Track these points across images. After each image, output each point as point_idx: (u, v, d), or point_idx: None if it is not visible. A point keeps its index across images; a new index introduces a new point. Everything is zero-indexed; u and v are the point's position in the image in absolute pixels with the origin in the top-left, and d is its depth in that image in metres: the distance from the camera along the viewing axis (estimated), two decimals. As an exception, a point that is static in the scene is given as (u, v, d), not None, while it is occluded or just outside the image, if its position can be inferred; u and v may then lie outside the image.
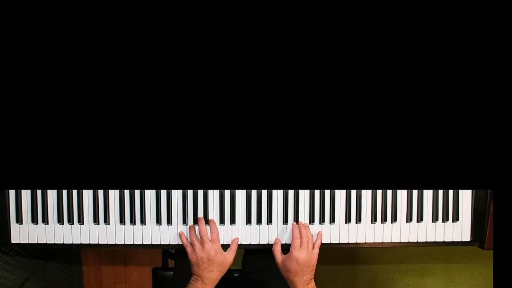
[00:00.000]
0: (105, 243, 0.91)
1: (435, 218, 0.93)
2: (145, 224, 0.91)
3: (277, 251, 0.89)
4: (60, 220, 0.90)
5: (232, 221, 0.91)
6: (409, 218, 0.92)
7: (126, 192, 0.91)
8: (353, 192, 0.92)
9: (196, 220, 0.91)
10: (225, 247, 0.91)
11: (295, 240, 0.87)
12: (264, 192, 0.91)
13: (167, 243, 0.92)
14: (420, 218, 0.93)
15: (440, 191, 0.93)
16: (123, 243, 0.91)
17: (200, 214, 0.91)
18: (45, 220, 0.90)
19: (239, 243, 0.92)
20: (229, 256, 0.88)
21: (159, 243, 0.91)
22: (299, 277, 0.85)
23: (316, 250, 0.88)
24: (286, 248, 0.90)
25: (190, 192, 0.91)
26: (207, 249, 0.85)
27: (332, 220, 0.92)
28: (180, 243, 0.91)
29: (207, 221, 0.91)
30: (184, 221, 0.91)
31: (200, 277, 0.85)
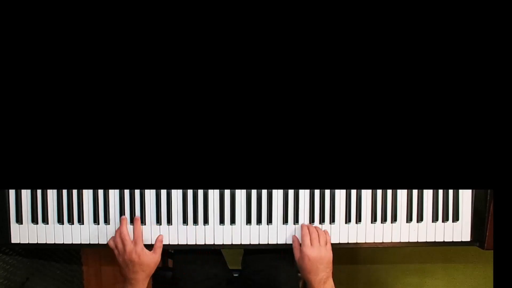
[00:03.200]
0: (105, 243, 0.91)
1: (435, 218, 0.93)
2: (145, 224, 0.91)
3: (295, 247, 0.89)
4: (60, 220, 0.90)
5: (232, 221, 0.91)
6: (409, 218, 0.92)
7: (126, 192, 0.91)
8: (353, 192, 0.92)
9: (196, 220, 0.91)
10: (225, 247, 0.91)
11: (305, 238, 0.86)
12: (264, 192, 0.91)
13: (167, 243, 0.92)
14: (420, 218, 0.93)
15: (440, 191, 0.93)
16: (123, 243, 0.91)
17: (200, 214, 0.91)
18: (45, 220, 0.90)
19: (240, 243, 0.92)
20: (154, 256, 0.86)
21: (159, 243, 0.91)
22: (314, 275, 0.84)
23: (329, 246, 0.87)
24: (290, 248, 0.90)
25: (190, 192, 0.91)
26: (128, 251, 0.83)
27: (332, 220, 0.92)
28: (180, 243, 0.91)
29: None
30: (184, 221, 0.91)
31: (127, 279, 0.84)
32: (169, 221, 0.91)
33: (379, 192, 0.92)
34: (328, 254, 0.86)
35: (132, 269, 0.83)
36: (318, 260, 0.84)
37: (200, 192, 0.91)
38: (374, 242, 0.93)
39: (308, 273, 0.84)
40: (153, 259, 0.86)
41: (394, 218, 0.92)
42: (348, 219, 0.92)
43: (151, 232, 0.91)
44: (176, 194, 0.91)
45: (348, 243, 0.93)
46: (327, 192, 0.92)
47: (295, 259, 0.88)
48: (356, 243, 0.93)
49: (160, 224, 0.91)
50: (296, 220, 0.92)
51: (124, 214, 0.90)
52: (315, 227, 0.89)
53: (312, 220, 0.92)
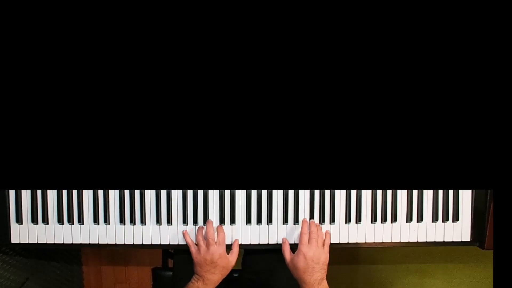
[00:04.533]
0: (105, 243, 0.91)
1: (435, 218, 0.93)
2: (145, 224, 0.91)
3: (286, 250, 0.89)
4: (60, 220, 0.90)
5: (232, 221, 0.91)
6: (409, 218, 0.92)
7: (126, 192, 0.91)
8: (353, 192, 0.92)
9: (196, 220, 0.91)
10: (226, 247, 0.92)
11: (303, 236, 0.86)
12: (264, 192, 0.91)
13: (167, 243, 0.92)
14: (420, 218, 0.93)
15: (440, 191, 0.93)
16: (123, 243, 0.91)
17: (200, 214, 0.91)
18: (45, 220, 0.90)
19: (240, 243, 0.92)
20: (232, 258, 0.88)
21: (159, 243, 0.91)
22: (309, 275, 0.83)
23: (326, 248, 0.87)
24: (293, 248, 0.89)
25: (190, 192, 0.91)
26: (212, 252, 0.85)
27: (332, 220, 0.92)
28: (180, 243, 0.91)
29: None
30: (184, 221, 0.91)
31: (202, 277, 0.85)
32: (169, 221, 0.91)
33: (379, 192, 0.92)
34: (324, 255, 0.85)
35: (210, 270, 0.85)
36: (314, 259, 0.83)
37: (200, 192, 0.91)
38: (374, 242, 0.93)
39: (302, 273, 0.84)
40: (231, 262, 0.88)
41: (394, 218, 0.92)
42: (348, 219, 0.92)
43: (151, 232, 0.91)
44: (176, 194, 0.91)
45: (348, 243, 0.93)
46: (327, 192, 0.92)
47: (286, 260, 0.88)
48: (356, 243, 0.93)
49: (160, 224, 0.91)
50: (296, 220, 0.92)
51: (124, 214, 0.90)
52: (317, 225, 0.89)
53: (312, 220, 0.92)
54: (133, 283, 1.65)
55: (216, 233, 0.88)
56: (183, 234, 0.90)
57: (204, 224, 0.91)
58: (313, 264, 0.83)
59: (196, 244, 0.87)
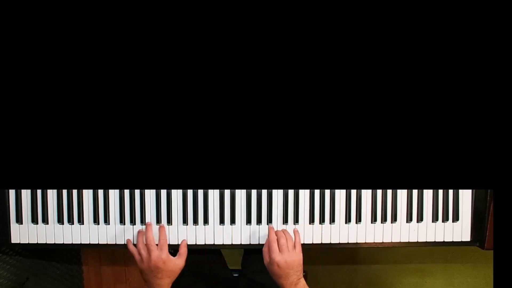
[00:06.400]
0: (105, 243, 0.91)
1: (435, 218, 0.93)
2: (145, 224, 0.91)
3: (265, 252, 0.87)
4: (60, 220, 0.90)
5: (232, 221, 0.91)
6: (409, 218, 0.92)
7: (126, 192, 0.91)
8: (353, 192, 0.92)
9: (196, 220, 0.91)
10: (225, 247, 0.91)
11: (272, 244, 0.84)
12: (264, 192, 0.91)
13: (167, 243, 0.92)
14: (420, 218, 0.93)
15: (440, 191, 0.93)
16: (123, 243, 0.91)
17: (200, 214, 0.91)
18: (45, 220, 0.90)
19: (240, 243, 0.92)
20: (179, 261, 0.85)
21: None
22: (285, 280, 0.83)
23: (298, 248, 0.85)
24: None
25: (190, 192, 0.91)
26: (154, 259, 0.82)
27: (332, 220, 0.92)
28: (180, 243, 0.91)
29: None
30: (184, 221, 0.91)
31: (150, 284, 0.84)
32: (169, 221, 0.91)
33: (379, 192, 0.93)
34: (297, 258, 0.84)
35: (157, 275, 0.83)
36: (287, 266, 0.83)
37: (200, 192, 0.91)
38: (374, 242, 0.93)
39: (278, 278, 0.84)
40: (178, 265, 0.85)
41: (394, 218, 0.92)
42: (348, 219, 0.92)
43: (151, 232, 0.91)
44: (176, 194, 0.91)
45: (348, 243, 0.93)
46: (327, 192, 0.92)
47: (264, 263, 0.87)
48: (356, 243, 0.93)
49: (160, 224, 0.91)
50: (296, 220, 0.92)
51: (124, 214, 0.90)
52: (283, 230, 0.88)
53: (312, 220, 0.92)
54: (133, 283, 1.64)
55: (159, 234, 0.86)
56: (127, 242, 0.88)
57: (204, 224, 0.90)
58: (287, 270, 0.83)
59: (138, 253, 0.85)
